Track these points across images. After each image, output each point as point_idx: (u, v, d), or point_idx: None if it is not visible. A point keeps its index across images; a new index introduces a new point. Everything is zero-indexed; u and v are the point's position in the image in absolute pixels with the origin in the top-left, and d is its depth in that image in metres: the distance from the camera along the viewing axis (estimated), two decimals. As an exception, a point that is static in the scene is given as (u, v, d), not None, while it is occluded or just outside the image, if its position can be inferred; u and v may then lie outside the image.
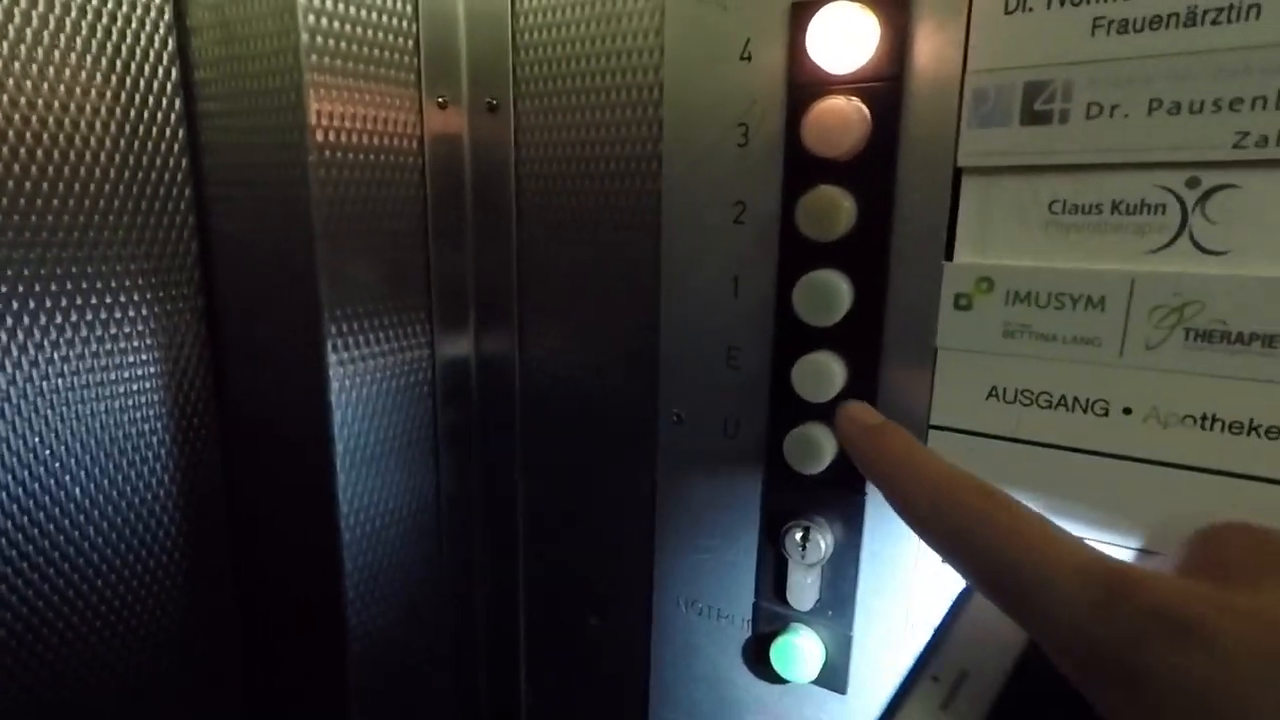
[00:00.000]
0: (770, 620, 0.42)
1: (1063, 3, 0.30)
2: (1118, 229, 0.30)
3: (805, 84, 0.35)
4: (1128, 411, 0.31)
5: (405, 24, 0.44)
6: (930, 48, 0.33)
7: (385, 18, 0.43)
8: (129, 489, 0.47)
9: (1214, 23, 0.27)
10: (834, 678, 0.41)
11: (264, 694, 0.55)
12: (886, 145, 0.34)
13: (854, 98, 0.34)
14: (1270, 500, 0.29)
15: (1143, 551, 0.32)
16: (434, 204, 0.47)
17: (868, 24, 0.33)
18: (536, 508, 0.54)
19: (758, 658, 0.43)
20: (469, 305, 0.51)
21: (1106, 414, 0.32)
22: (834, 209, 0.35)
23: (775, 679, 0.42)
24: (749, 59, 0.37)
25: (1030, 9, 0.30)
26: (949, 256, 0.34)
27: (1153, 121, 0.29)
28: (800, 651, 0.40)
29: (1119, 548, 0.32)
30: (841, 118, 0.34)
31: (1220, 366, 0.29)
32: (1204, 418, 0.30)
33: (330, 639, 0.47)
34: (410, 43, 0.44)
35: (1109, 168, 0.30)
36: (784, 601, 0.41)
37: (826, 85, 0.35)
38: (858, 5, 0.33)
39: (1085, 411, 0.32)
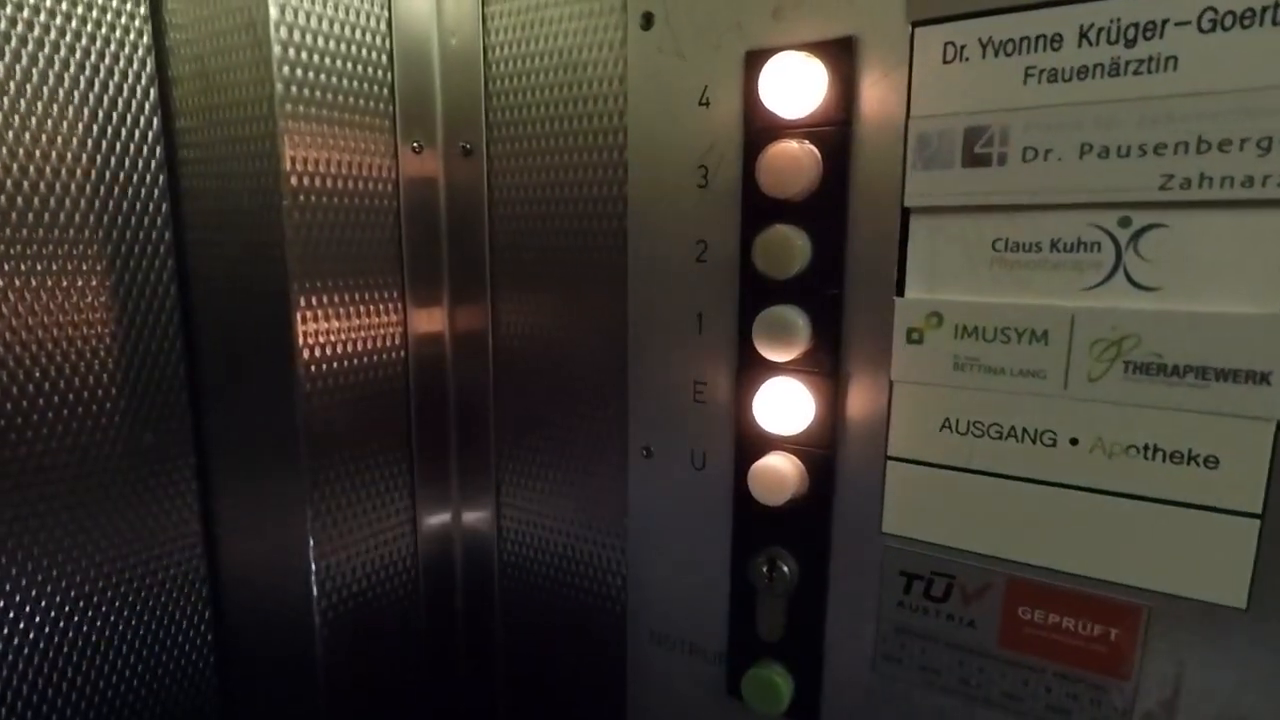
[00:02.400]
0: (741, 652, 0.42)
1: (996, 53, 0.31)
2: (1057, 266, 0.32)
3: (760, 128, 0.37)
4: (1074, 442, 0.32)
5: (381, 73, 0.46)
6: (876, 94, 0.34)
7: (361, 67, 0.44)
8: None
9: (1136, 73, 0.29)
10: (806, 710, 0.41)
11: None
12: (838, 186, 0.35)
13: (806, 141, 0.36)
14: (1212, 528, 0.30)
15: (1093, 580, 0.32)
16: (409, 246, 0.48)
17: (817, 72, 0.35)
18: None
19: (730, 690, 0.43)
20: (445, 348, 0.52)
21: (1054, 444, 0.32)
22: (788, 247, 0.36)
23: (748, 712, 0.42)
24: (707, 105, 0.39)
25: (967, 58, 0.32)
26: (900, 292, 0.35)
27: (1084, 165, 0.30)
28: (771, 684, 0.40)
29: (1072, 576, 0.33)
30: (793, 160, 0.35)
31: (1158, 398, 0.30)
32: (1146, 448, 0.31)
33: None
34: (386, 90, 0.46)
35: (1046, 208, 0.31)
36: (754, 633, 0.41)
37: (780, 129, 0.36)
38: (806, 54, 0.35)
39: (1034, 442, 0.33)
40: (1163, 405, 0.30)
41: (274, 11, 0.40)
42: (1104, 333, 0.31)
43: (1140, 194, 0.29)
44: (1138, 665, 0.32)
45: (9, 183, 0.41)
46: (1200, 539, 0.30)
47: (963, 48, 0.32)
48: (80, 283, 0.44)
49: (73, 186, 0.43)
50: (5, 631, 0.44)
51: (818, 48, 0.35)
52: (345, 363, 0.46)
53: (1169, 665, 0.31)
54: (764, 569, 0.40)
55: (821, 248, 0.36)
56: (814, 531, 0.39)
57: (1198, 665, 0.31)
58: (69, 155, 0.43)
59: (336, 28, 0.43)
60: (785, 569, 0.39)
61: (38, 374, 0.43)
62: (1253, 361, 0.28)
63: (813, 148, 0.35)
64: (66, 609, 0.46)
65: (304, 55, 0.41)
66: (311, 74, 0.42)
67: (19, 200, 0.41)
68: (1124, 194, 0.30)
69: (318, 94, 0.42)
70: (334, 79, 0.43)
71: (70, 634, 0.47)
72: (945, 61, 0.32)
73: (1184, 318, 0.29)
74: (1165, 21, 0.28)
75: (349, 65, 0.44)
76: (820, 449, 0.38)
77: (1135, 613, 0.32)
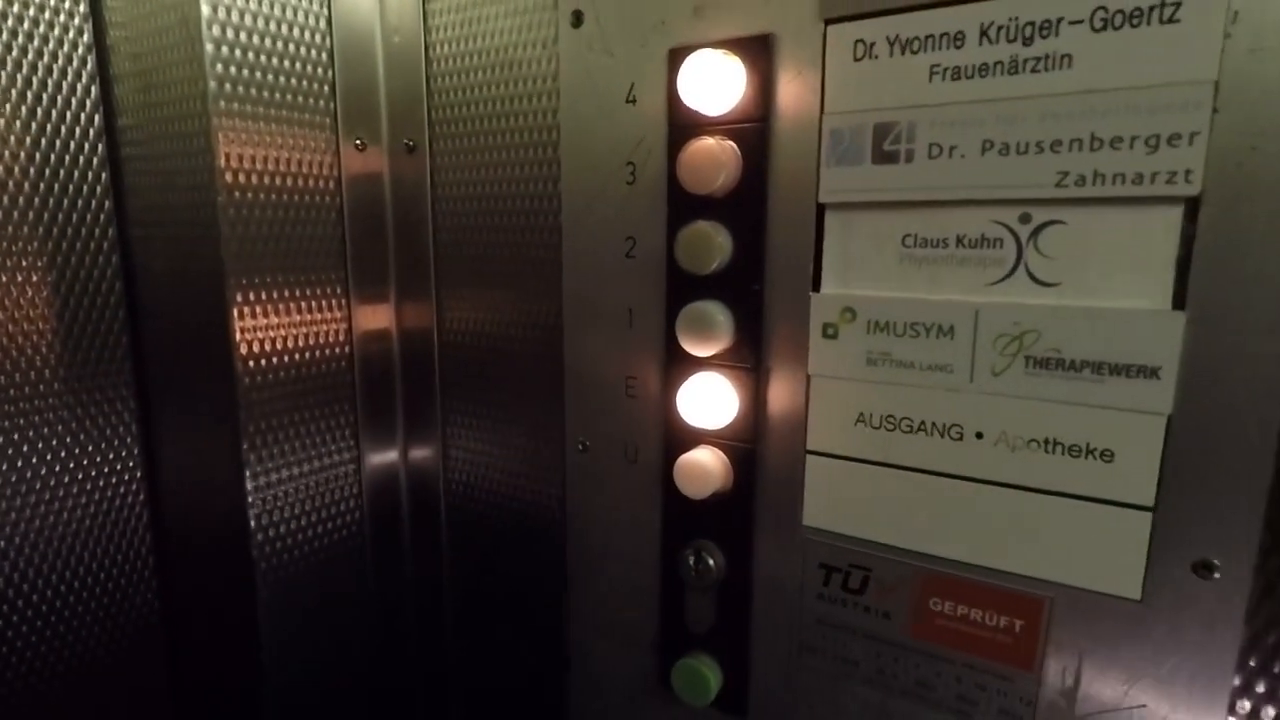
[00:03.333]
0: (672, 644, 0.43)
1: (903, 50, 0.32)
2: (963, 262, 0.32)
3: (682, 125, 0.37)
4: (980, 436, 0.32)
5: (321, 71, 0.46)
6: (792, 91, 0.35)
7: (300, 65, 0.45)
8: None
9: (1034, 71, 0.29)
10: (733, 701, 0.41)
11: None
12: (757, 183, 0.36)
13: (725, 138, 0.36)
14: (1108, 521, 0.30)
15: (998, 572, 0.33)
16: (353, 243, 0.49)
17: (735, 70, 0.35)
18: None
19: (662, 681, 0.43)
20: (393, 344, 0.52)
21: (961, 438, 0.33)
22: (708, 243, 0.36)
23: (678, 703, 0.43)
24: (634, 102, 0.39)
25: (876, 56, 0.32)
26: (816, 288, 0.35)
27: (986, 161, 0.31)
28: (699, 674, 0.41)
29: (978, 568, 0.33)
30: (712, 157, 0.36)
31: (1058, 392, 0.31)
32: (1047, 441, 0.31)
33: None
34: (326, 88, 0.46)
35: (952, 204, 0.32)
36: (683, 625, 0.42)
37: (701, 127, 0.37)
38: (725, 51, 0.35)
39: (943, 436, 0.33)
40: (1062, 399, 0.30)
41: (206, 10, 0.40)
42: (1006, 328, 0.31)
43: (1038, 191, 0.30)
44: (1041, 655, 0.33)
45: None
46: (1097, 531, 0.31)
47: (872, 45, 0.32)
48: (21, 278, 0.44)
49: (11, 184, 0.43)
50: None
51: (736, 45, 0.35)
52: (286, 358, 0.46)
53: (1070, 655, 0.32)
54: (691, 561, 0.40)
55: (742, 243, 0.37)
56: (739, 524, 0.39)
57: (1096, 655, 0.31)
58: (6, 153, 0.43)
59: (273, 25, 0.43)
60: (711, 561, 0.40)
61: (-21, 368, 0.43)
62: (1144, 356, 0.29)
63: (732, 144, 0.36)
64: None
65: (238, 53, 0.42)
66: (246, 72, 0.42)
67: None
68: (1023, 191, 0.30)
69: (253, 91, 0.42)
70: (271, 76, 0.43)
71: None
72: (856, 59, 0.33)
73: (1081, 313, 0.30)
74: (1060, 20, 0.29)
75: (287, 63, 0.44)
76: (744, 443, 0.38)
77: (1038, 604, 0.32)
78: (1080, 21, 0.28)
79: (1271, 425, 0.27)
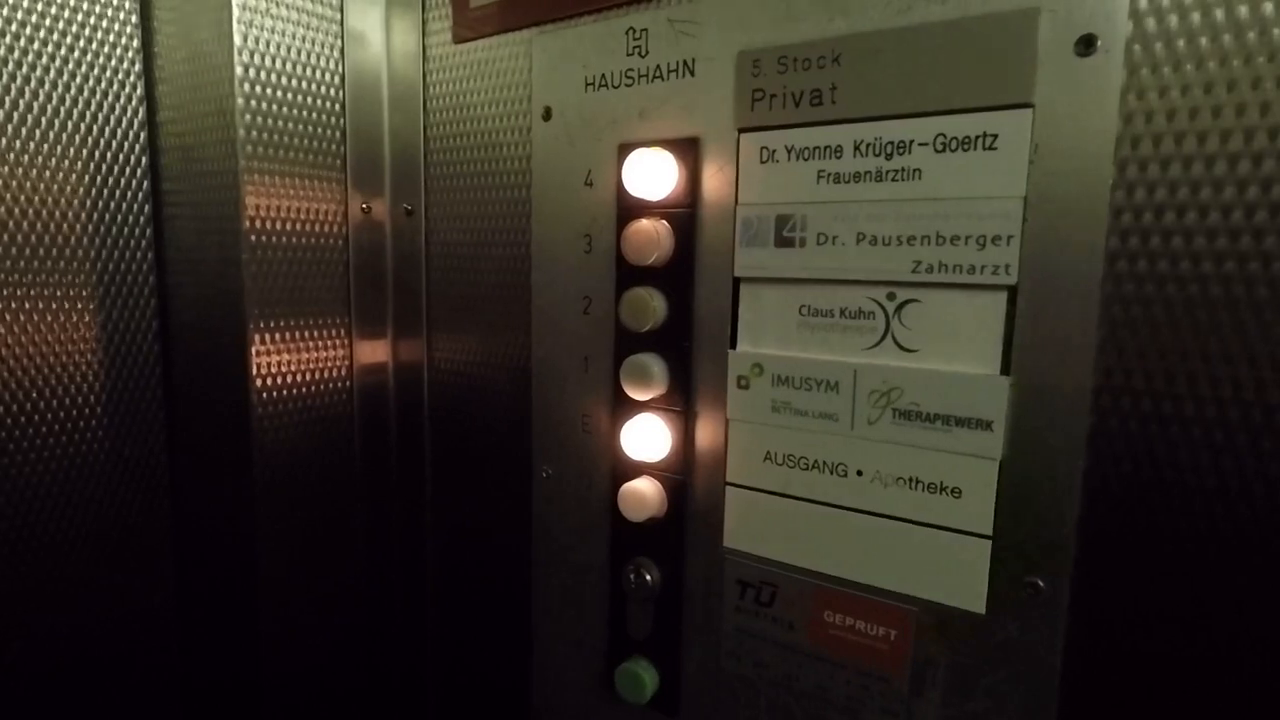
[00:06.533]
0: (618, 650, 0.49)
1: (798, 157, 0.39)
2: (845, 329, 0.39)
3: (628, 206, 0.45)
4: (860, 473, 0.39)
5: (335, 146, 0.54)
6: (714, 184, 0.42)
7: (317, 142, 0.53)
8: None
9: (894, 179, 0.36)
10: (667, 701, 0.47)
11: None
12: (686, 257, 0.43)
13: (661, 219, 0.43)
14: (958, 546, 0.37)
15: (875, 589, 0.39)
16: (356, 288, 0.56)
17: (669, 164, 0.43)
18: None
19: (607, 683, 0.49)
20: (389, 377, 0.60)
21: (846, 475, 0.39)
22: (645, 306, 0.43)
23: (622, 702, 0.49)
24: (591, 185, 0.47)
25: (777, 160, 0.40)
26: (733, 345, 0.42)
27: (860, 249, 0.38)
28: (636, 678, 0.47)
29: (860, 585, 0.39)
30: (649, 235, 0.43)
31: (917, 439, 0.37)
32: (910, 479, 0.38)
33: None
34: (339, 161, 0.54)
35: (836, 282, 0.39)
36: (625, 633, 0.48)
37: (641, 209, 0.44)
38: (660, 149, 0.43)
39: (831, 473, 0.40)
40: (921, 445, 0.37)
41: (240, 101, 0.48)
42: (878, 384, 0.38)
43: (899, 275, 0.37)
44: (909, 661, 0.39)
45: (19, 234, 0.49)
46: (950, 555, 0.37)
47: (774, 151, 0.40)
48: (75, 318, 0.52)
49: (72, 239, 0.51)
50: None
51: (671, 144, 0.43)
52: (295, 389, 0.53)
53: (931, 661, 0.38)
54: (631, 576, 0.47)
55: (674, 306, 0.44)
56: (672, 544, 0.46)
57: (952, 661, 0.37)
58: (70, 214, 0.51)
59: (296, 111, 0.51)
60: (648, 577, 0.46)
61: (35, 395, 0.51)
62: (980, 411, 0.35)
63: (666, 224, 0.43)
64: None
65: (265, 135, 0.50)
66: (272, 150, 0.50)
67: (26, 249, 0.50)
68: (888, 274, 0.37)
69: (276, 164, 0.51)
70: (292, 154, 0.51)
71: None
72: (762, 161, 0.40)
73: (934, 375, 0.36)
74: (912, 141, 0.36)
75: (306, 141, 0.52)
76: (676, 474, 0.45)
77: (905, 616, 0.38)
78: (926, 144, 0.35)
79: (1077, 470, 0.34)
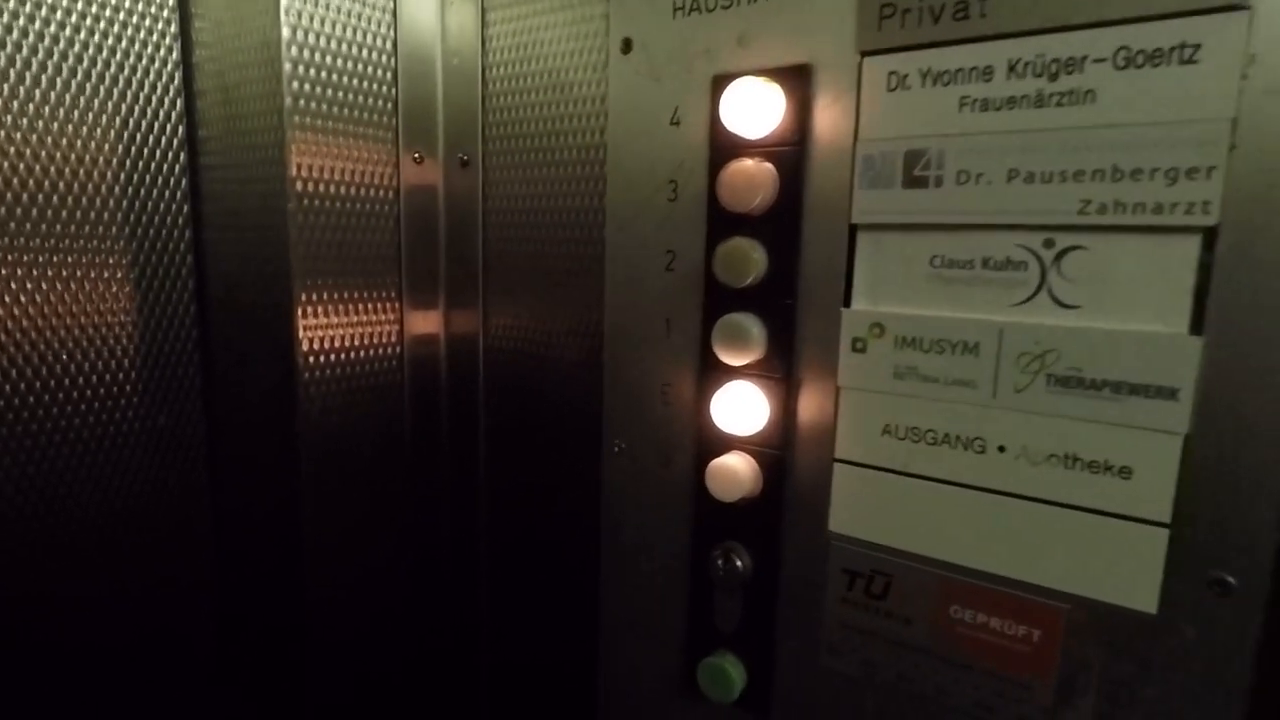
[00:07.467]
0: (700, 643, 0.44)
1: (934, 83, 0.34)
2: (988, 283, 0.34)
3: (723, 147, 0.39)
4: (1001, 449, 0.34)
5: (385, 88, 0.49)
6: (828, 118, 0.37)
7: (366, 83, 0.48)
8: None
9: (1058, 104, 0.31)
10: (756, 699, 0.43)
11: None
12: (792, 202, 0.38)
13: (763, 160, 0.38)
14: (1125, 535, 0.31)
15: (1017, 582, 0.34)
16: (408, 250, 0.52)
17: (775, 96, 0.37)
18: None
19: (688, 679, 0.45)
20: (440, 348, 0.55)
21: (984, 451, 0.34)
22: (745, 259, 0.38)
23: (704, 700, 0.44)
24: (678, 124, 0.41)
25: (908, 87, 0.34)
26: (847, 303, 0.37)
27: (1012, 188, 0.32)
28: (723, 674, 0.42)
29: (997, 578, 0.35)
30: (750, 178, 0.38)
31: (1077, 410, 0.32)
32: (1066, 457, 0.32)
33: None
34: (390, 105, 0.50)
35: (978, 228, 0.33)
36: (710, 624, 0.44)
37: (740, 149, 0.39)
38: (765, 79, 0.37)
39: (965, 449, 0.35)
40: (1081, 417, 0.32)
41: (286, 32, 0.44)
42: (1029, 346, 0.33)
43: (1061, 217, 0.31)
44: (1057, 665, 0.34)
45: (47, 183, 0.45)
46: (1114, 545, 0.32)
47: (904, 77, 0.34)
48: (106, 274, 0.48)
49: (104, 188, 0.47)
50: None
51: (776, 73, 0.37)
52: (343, 355, 0.49)
53: (1085, 666, 0.33)
54: (719, 562, 0.42)
55: (776, 259, 0.39)
56: (766, 527, 0.41)
57: (1112, 667, 0.32)
58: (100, 159, 0.47)
59: (344, 47, 0.46)
60: (739, 563, 0.42)
61: (65, 358, 0.47)
62: (1162, 378, 0.30)
63: (769, 166, 0.38)
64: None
65: (312, 71, 0.45)
66: (319, 89, 0.45)
67: (54, 199, 0.45)
68: (1047, 217, 0.32)
69: (324, 106, 0.46)
70: (340, 93, 0.47)
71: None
72: (889, 90, 0.35)
73: (1101, 335, 0.31)
74: (1085, 58, 0.30)
75: (355, 81, 0.47)
76: (773, 449, 0.40)
77: (1055, 615, 0.33)
78: (1104, 60, 0.30)
79: (1285, 447, 0.28)
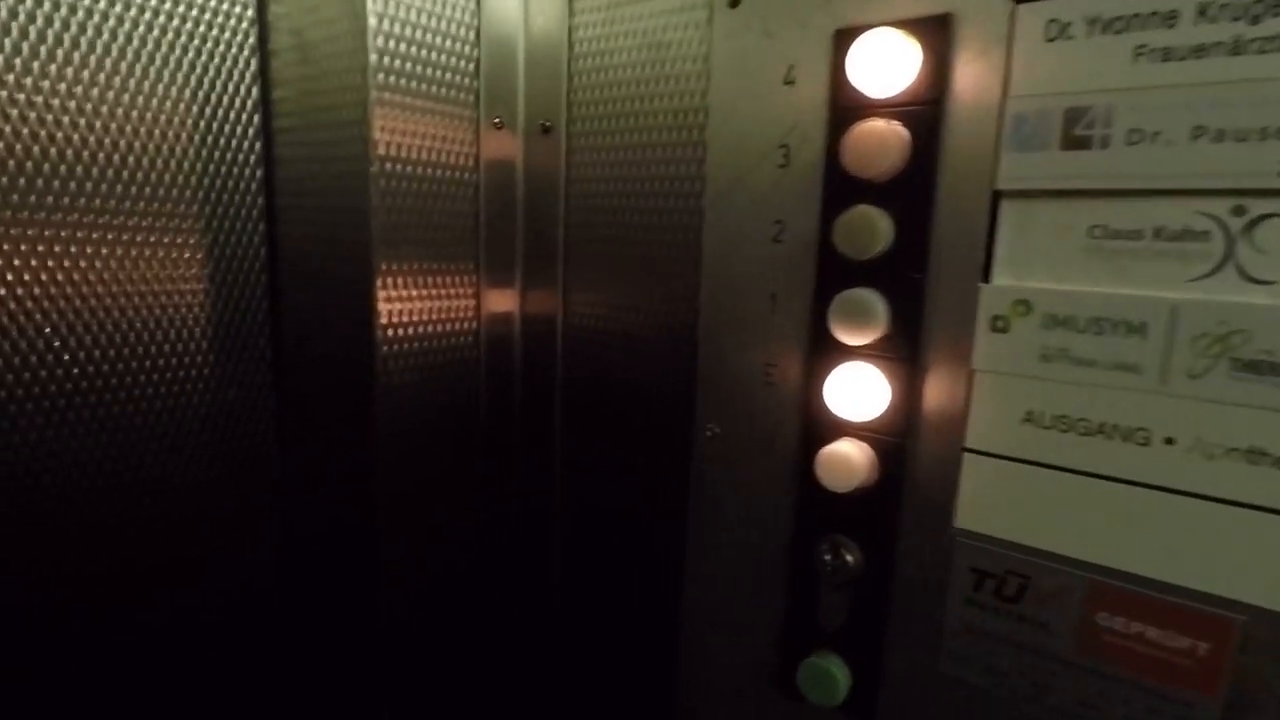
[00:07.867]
0: (801, 641, 0.42)
1: (1104, 30, 0.30)
2: (1160, 255, 0.30)
3: (846, 107, 0.36)
4: (1170, 442, 0.30)
5: (468, 49, 0.47)
6: (971, 73, 0.33)
7: (450, 41, 0.45)
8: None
9: (1261, 52, 0.27)
10: (861, 704, 0.40)
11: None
12: (925, 167, 0.34)
13: (894, 120, 0.35)
14: (1321, 539, 0.28)
15: (1182, 589, 0.31)
16: (486, 222, 0.49)
17: (909, 50, 0.34)
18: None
19: (784, 678, 0.42)
20: (515, 326, 0.53)
21: (1148, 443, 0.31)
22: (871, 228, 0.35)
23: (801, 701, 0.42)
24: (792, 83, 0.38)
25: (1071, 37, 0.31)
26: (985, 279, 0.34)
27: (1196, 148, 0.29)
28: (827, 675, 0.40)
29: (1159, 583, 0.31)
30: (880, 140, 0.35)
31: (1268, 399, 0.28)
32: (1251, 451, 0.29)
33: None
34: (472, 67, 0.47)
35: (1151, 193, 0.30)
36: (813, 621, 0.41)
37: (867, 109, 0.36)
38: (900, 32, 0.34)
39: (1125, 440, 0.31)
40: (1273, 407, 0.28)
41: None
42: (1209, 327, 0.29)
43: (1257, 180, 0.28)
44: (1227, 683, 0.30)
45: (116, 148, 0.43)
46: (1307, 550, 0.28)
47: (1067, 25, 0.31)
48: (180, 241, 0.46)
49: (177, 149, 0.45)
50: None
51: (911, 25, 0.34)
52: (420, 329, 0.47)
53: (1261, 685, 0.30)
54: (827, 556, 0.39)
55: (904, 230, 0.35)
56: (881, 521, 0.38)
57: (1296, 685, 0.29)
58: (174, 120, 0.45)
59: (429, 3, 0.44)
60: (849, 557, 0.39)
61: (139, 326, 0.45)
62: (1378, 362, 0.26)
63: (900, 127, 0.35)
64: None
65: (396, 29, 0.42)
66: (403, 47, 0.43)
67: (125, 166, 0.44)
68: (1239, 180, 0.28)
69: (409, 66, 0.43)
70: (425, 52, 0.44)
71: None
72: (1048, 40, 0.31)
73: (1301, 313, 0.27)
74: (1297, -4, 0.27)
75: (438, 40, 0.45)
76: (892, 437, 0.37)
77: (1227, 626, 0.30)
78: (1323, -3, 0.26)
79: None
